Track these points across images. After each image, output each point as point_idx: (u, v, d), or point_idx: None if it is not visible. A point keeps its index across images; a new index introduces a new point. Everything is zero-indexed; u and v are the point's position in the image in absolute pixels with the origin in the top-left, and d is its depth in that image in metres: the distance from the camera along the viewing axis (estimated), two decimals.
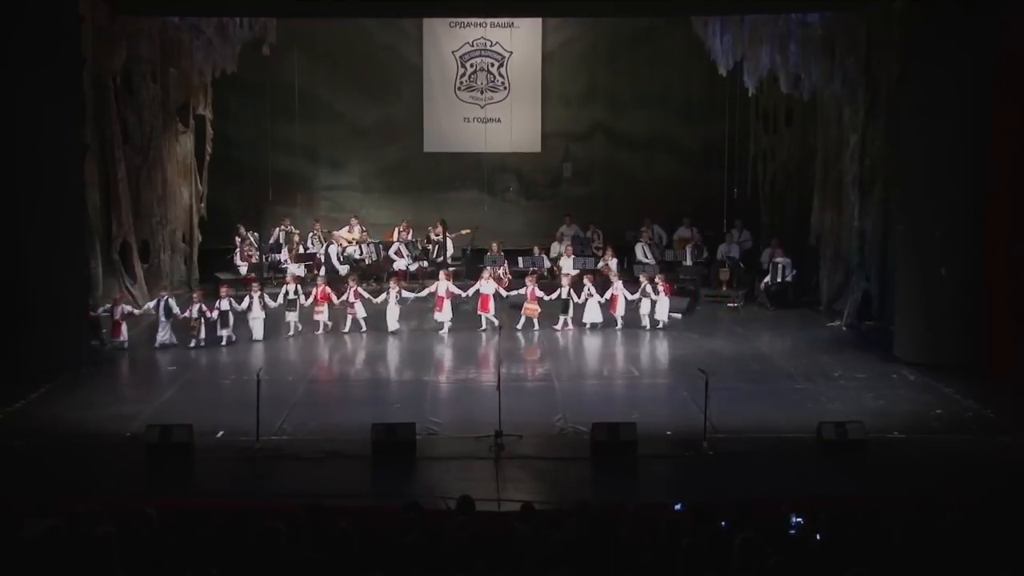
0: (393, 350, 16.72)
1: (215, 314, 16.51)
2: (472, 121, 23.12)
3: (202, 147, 20.80)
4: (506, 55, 23.05)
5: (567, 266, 19.84)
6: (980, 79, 14.64)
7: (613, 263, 19.56)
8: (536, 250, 20.60)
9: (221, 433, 12.29)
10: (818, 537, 7.40)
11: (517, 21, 22.66)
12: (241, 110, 22.23)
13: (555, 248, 21.23)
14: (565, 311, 17.64)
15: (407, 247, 21.08)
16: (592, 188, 23.68)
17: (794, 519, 7.83)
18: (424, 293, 17.80)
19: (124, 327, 16.40)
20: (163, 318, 16.45)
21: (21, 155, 14.73)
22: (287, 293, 17.25)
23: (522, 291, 17.77)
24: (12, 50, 14.63)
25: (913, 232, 15.40)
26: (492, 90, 23.12)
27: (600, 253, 20.57)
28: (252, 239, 20.76)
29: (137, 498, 9.21)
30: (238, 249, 20.75)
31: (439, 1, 18.68)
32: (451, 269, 20.20)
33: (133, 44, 18.62)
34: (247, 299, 16.87)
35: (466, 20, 22.70)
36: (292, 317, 17.21)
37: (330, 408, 13.90)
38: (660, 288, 17.76)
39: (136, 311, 16.80)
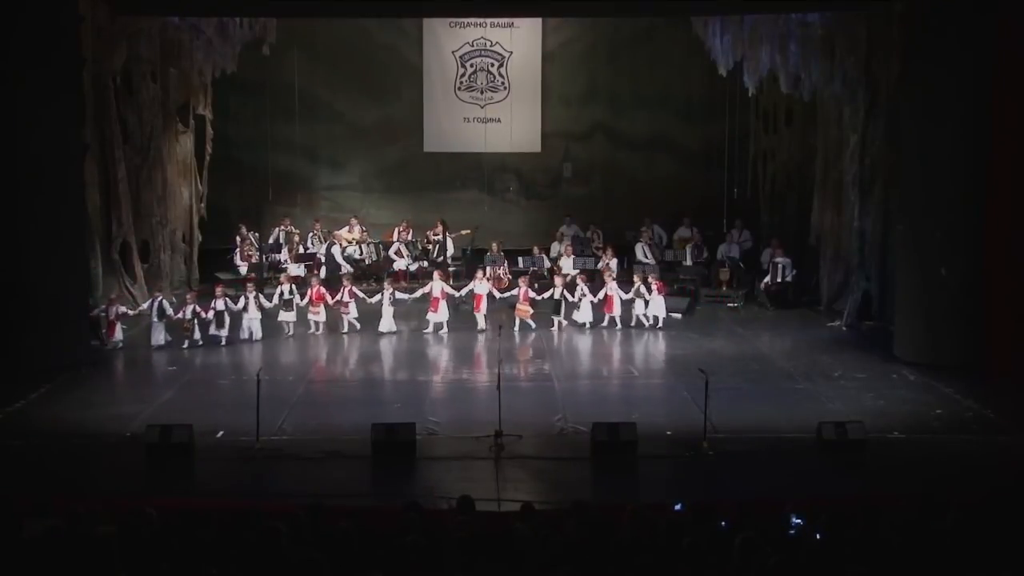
0: (392, 350, 16.71)
1: (210, 314, 16.50)
2: (472, 121, 23.12)
3: (202, 147, 20.81)
4: (506, 55, 23.06)
5: (567, 266, 19.85)
6: (980, 79, 14.63)
7: (613, 263, 19.56)
8: (536, 250, 20.60)
9: (221, 433, 12.28)
10: (818, 537, 7.40)
11: (517, 21, 22.67)
12: (241, 110, 22.25)
13: (555, 248, 21.23)
14: (558, 312, 17.64)
15: (407, 247, 21.08)
16: (592, 188, 23.69)
17: (794, 519, 7.82)
18: (418, 294, 17.78)
19: (119, 327, 16.41)
20: (156, 319, 16.44)
21: (21, 155, 14.72)
22: (282, 293, 17.22)
23: (515, 292, 17.78)
24: (12, 50, 14.63)
25: (913, 232, 15.40)
26: (492, 90, 23.13)
27: (600, 253, 20.56)
28: (252, 239, 20.77)
29: (137, 498, 9.20)
30: (238, 249, 20.75)
31: (439, 1, 18.68)
32: (451, 269, 20.25)
33: (133, 44, 18.63)
34: (242, 299, 16.86)
35: (466, 20, 22.72)
36: (287, 317, 17.18)
37: (330, 408, 13.89)
38: (654, 287, 17.79)
39: (131, 312, 16.78)
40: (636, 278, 18.09)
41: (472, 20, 22.73)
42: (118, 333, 16.41)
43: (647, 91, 23.26)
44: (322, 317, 17.31)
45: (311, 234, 21.58)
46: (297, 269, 19.96)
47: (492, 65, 23.11)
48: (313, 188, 23.43)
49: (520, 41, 23.04)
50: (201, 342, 16.46)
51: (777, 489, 10.28)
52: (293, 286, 17.51)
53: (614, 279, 18.06)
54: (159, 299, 16.67)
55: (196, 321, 16.46)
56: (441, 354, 16.51)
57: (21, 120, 14.71)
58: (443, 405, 13.72)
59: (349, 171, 23.53)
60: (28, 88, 14.66)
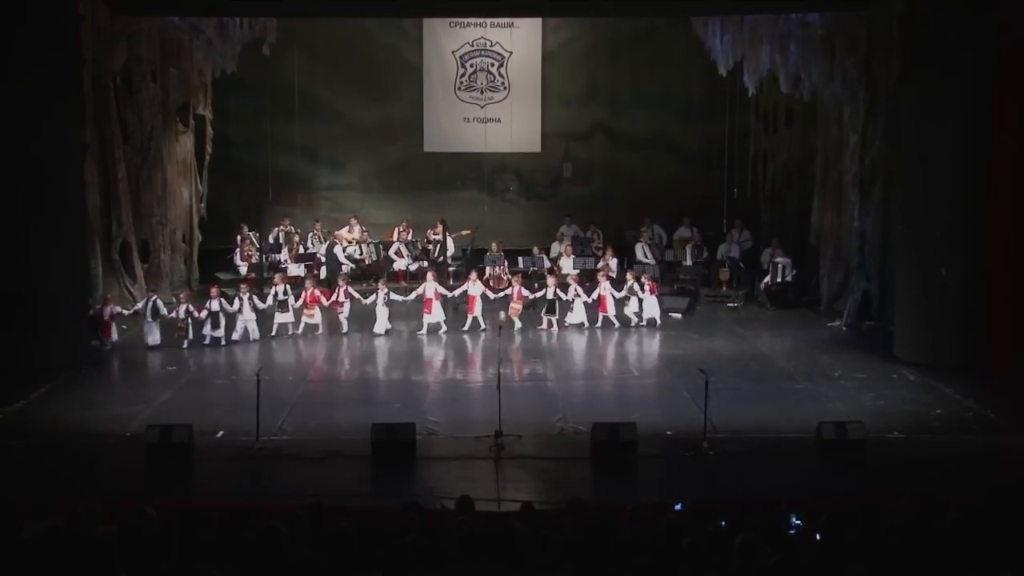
0: (392, 351, 16.71)
1: (203, 314, 16.50)
2: (472, 121, 23.12)
3: (202, 147, 20.81)
4: (506, 55, 23.05)
5: (567, 266, 19.86)
6: (980, 79, 14.63)
7: (613, 263, 19.56)
8: (536, 250, 20.60)
9: (221, 433, 12.29)
10: (818, 537, 7.40)
11: (517, 21, 22.67)
12: (241, 110, 22.26)
13: (555, 248, 21.24)
14: (551, 311, 17.65)
15: (407, 247, 21.08)
16: (592, 188, 23.69)
17: (794, 519, 7.82)
18: (412, 296, 17.76)
19: (114, 327, 16.40)
20: (150, 319, 16.43)
21: (21, 155, 14.73)
22: (276, 294, 17.20)
23: (507, 291, 17.77)
24: (12, 50, 14.63)
25: (913, 232, 15.40)
26: (492, 90, 23.13)
27: (600, 253, 20.57)
28: (253, 239, 20.78)
29: (137, 498, 9.20)
30: (239, 249, 20.76)
31: (439, 1, 18.68)
32: (451, 269, 20.23)
33: (133, 44, 18.64)
34: (237, 300, 16.85)
35: (466, 20, 22.72)
36: (282, 318, 17.15)
37: (330, 408, 13.90)
38: (647, 286, 17.81)
39: (125, 312, 16.76)
40: (629, 276, 18.13)
41: (472, 20, 22.73)
42: (114, 333, 16.40)
43: (647, 91, 23.26)
44: (317, 319, 17.28)
45: (311, 234, 21.58)
46: (297, 269, 19.96)
47: (492, 65, 23.11)
48: (313, 188, 23.43)
49: (520, 41, 23.04)
50: (193, 343, 16.42)
51: (777, 489, 10.27)
52: (288, 287, 17.48)
53: (607, 279, 18.06)
54: (153, 299, 16.67)
55: (190, 321, 16.45)
56: (441, 354, 16.51)
57: (21, 120, 14.71)
58: (443, 405, 13.71)
59: (349, 171, 23.52)
60: (28, 88, 14.67)
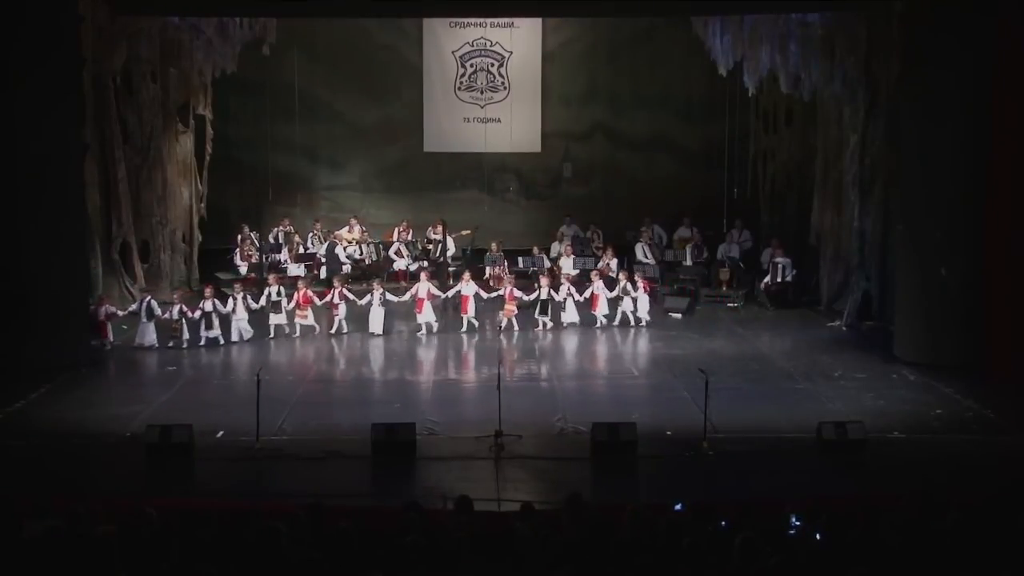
0: (392, 351, 16.70)
1: (197, 314, 16.50)
2: (472, 121, 23.12)
3: (202, 147, 20.80)
4: (506, 55, 23.06)
5: (567, 266, 19.86)
6: (980, 79, 14.63)
7: (613, 263, 19.57)
8: (536, 250, 20.60)
9: (221, 433, 12.28)
10: (818, 537, 7.40)
11: (517, 21, 22.67)
12: (241, 110, 22.25)
13: (555, 248, 21.25)
14: (544, 312, 17.65)
15: (407, 247, 21.09)
16: (592, 188, 23.69)
17: (794, 519, 7.82)
18: (407, 296, 17.73)
19: (110, 328, 16.38)
20: (145, 320, 16.43)
21: (21, 155, 14.72)
22: (270, 295, 17.18)
23: (500, 292, 17.77)
24: (12, 50, 14.63)
25: (913, 232, 15.40)
26: (492, 90, 23.13)
27: (600, 253, 20.57)
28: (253, 239, 20.78)
29: (137, 498, 9.19)
30: (239, 249, 20.76)
31: (439, 1, 18.68)
32: (451, 269, 20.23)
33: (133, 44, 18.65)
34: (230, 301, 16.84)
35: (466, 20, 22.72)
36: (275, 319, 17.12)
37: (330, 408, 13.89)
38: (640, 285, 17.84)
39: (120, 312, 16.74)
40: (621, 276, 18.14)
41: (472, 20, 22.73)
42: (111, 333, 16.39)
43: (647, 91, 23.26)
44: (310, 320, 17.25)
45: (311, 234, 21.59)
46: (297, 269, 19.96)
47: (492, 65, 23.11)
48: (313, 188, 23.43)
49: (520, 41, 23.04)
50: (188, 343, 16.42)
51: (777, 489, 10.28)
52: (282, 288, 17.46)
53: (600, 278, 18.07)
54: (147, 299, 16.66)
55: (183, 321, 16.45)
56: (440, 355, 16.51)
57: (21, 120, 14.71)
58: (443, 405, 13.71)
59: (349, 171, 23.52)
60: (28, 88, 14.66)
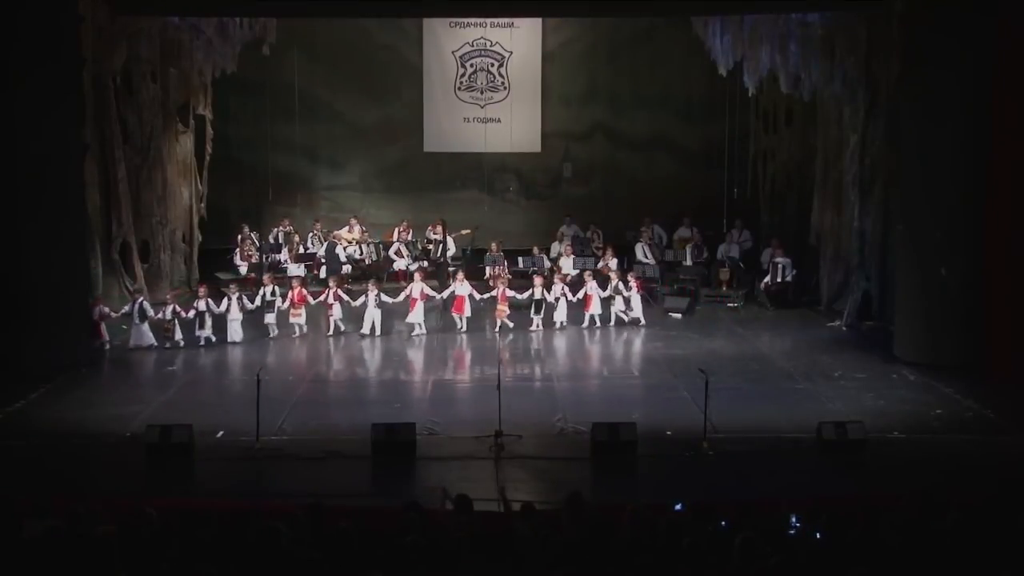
0: (391, 351, 16.69)
1: (191, 314, 16.49)
2: (472, 121, 23.12)
3: (202, 147, 20.80)
4: (506, 55, 23.05)
5: (567, 266, 19.86)
6: (980, 79, 14.63)
7: (613, 263, 19.57)
8: (536, 250, 20.59)
9: (221, 433, 12.29)
10: (818, 537, 7.40)
11: (517, 21, 22.66)
12: (241, 110, 22.25)
13: (555, 248, 21.25)
14: (538, 312, 17.65)
15: (407, 247, 21.09)
16: (592, 188, 23.69)
17: (794, 519, 7.82)
18: (401, 297, 17.69)
19: (104, 328, 16.38)
20: (137, 320, 16.42)
21: (21, 155, 14.72)
22: (264, 295, 17.17)
23: (493, 293, 17.77)
24: (12, 50, 14.63)
25: (913, 232, 15.40)
26: (492, 90, 23.13)
27: (600, 253, 20.57)
28: (254, 239, 20.78)
29: (137, 498, 9.19)
30: (239, 249, 20.76)
31: (439, 1, 18.68)
32: (451, 269, 20.22)
33: (133, 44, 18.64)
34: (225, 301, 16.84)
35: (466, 20, 22.72)
36: (268, 319, 17.13)
37: (330, 408, 13.89)
38: (632, 285, 17.84)
39: (113, 314, 16.69)
40: (613, 275, 18.15)
41: (472, 20, 22.73)
42: (105, 333, 16.37)
43: (647, 91, 23.26)
44: (302, 319, 17.23)
45: (311, 234, 21.59)
46: (297, 269, 19.96)
47: (492, 65, 23.11)
48: (313, 188, 23.43)
49: (520, 41, 23.04)
50: (182, 343, 16.41)
51: (777, 489, 10.27)
52: (276, 287, 17.45)
53: (593, 278, 18.07)
54: (140, 300, 16.65)
55: (176, 322, 16.44)
56: (440, 355, 16.51)
57: (21, 120, 14.71)
58: (443, 405, 13.71)
59: (349, 171, 23.52)
60: (28, 88, 14.66)
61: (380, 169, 23.54)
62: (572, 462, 11.66)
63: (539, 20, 22.73)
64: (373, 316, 17.23)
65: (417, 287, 17.44)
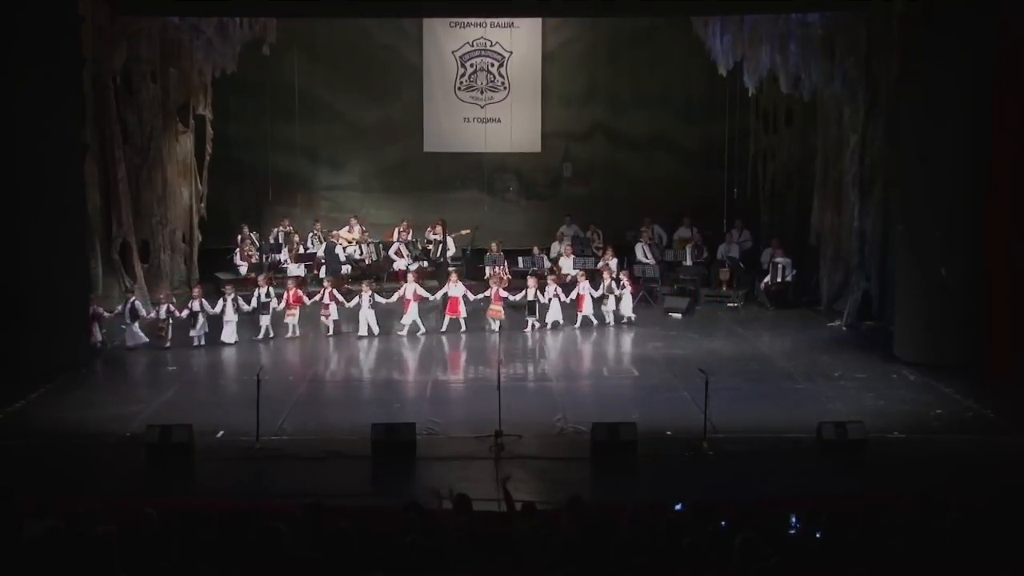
0: (390, 351, 16.69)
1: (185, 314, 16.48)
2: (472, 121, 23.12)
3: (202, 147, 20.78)
4: (506, 55, 23.05)
5: (567, 266, 19.86)
6: (980, 79, 14.63)
7: (613, 263, 19.56)
8: (536, 250, 20.59)
9: (221, 433, 12.30)
10: (818, 537, 7.40)
11: (517, 21, 22.65)
12: (241, 110, 22.25)
13: (555, 248, 21.24)
14: (532, 312, 17.65)
15: (407, 247, 21.08)
16: (592, 188, 23.68)
17: (794, 519, 7.82)
18: (395, 298, 17.68)
19: (97, 328, 16.35)
20: (129, 320, 16.41)
21: (21, 155, 14.72)
22: (259, 296, 17.16)
23: (487, 293, 17.76)
24: (12, 50, 14.63)
25: (913, 232, 15.40)
26: (492, 90, 23.12)
27: (600, 253, 20.56)
28: (254, 239, 20.77)
29: (137, 498, 9.19)
30: (239, 249, 20.75)
31: (439, 1, 18.68)
32: (450, 269, 20.21)
33: (133, 44, 18.62)
34: (220, 302, 16.83)
35: (466, 20, 22.71)
36: (265, 320, 17.11)
37: (330, 408, 13.88)
38: (625, 284, 17.84)
39: (107, 314, 16.66)
40: (605, 275, 18.15)
41: (472, 20, 22.72)
42: (97, 333, 16.36)
43: (647, 91, 23.25)
44: (295, 319, 17.21)
45: (311, 234, 21.58)
46: (297, 269, 19.95)
47: (492, 65, 23.10)
48: (313, 188, 23.42)
49: (520, 41, 23.03)
50: (174, 343, 16.38)
51: (777, 489, 10.29)
52: (271, 288, 17.44)
53: (585, 278, 18.06)
54: (132, 300, 16.65)
55: (170, 322, 16.43)
56: (439, 355, 16.52)
57: (21, 120, 14.71)
58: (443, 405, 13.73)
59: (349, 171, 23.52)
60: (28, 88, 14.66)
61: (380, 169, 23.54)
62: (572, 462, 11.66)
63: (539, 20, 22.71)
64: (367, 317, 17.22)
65: (411, 288, 17.44)
